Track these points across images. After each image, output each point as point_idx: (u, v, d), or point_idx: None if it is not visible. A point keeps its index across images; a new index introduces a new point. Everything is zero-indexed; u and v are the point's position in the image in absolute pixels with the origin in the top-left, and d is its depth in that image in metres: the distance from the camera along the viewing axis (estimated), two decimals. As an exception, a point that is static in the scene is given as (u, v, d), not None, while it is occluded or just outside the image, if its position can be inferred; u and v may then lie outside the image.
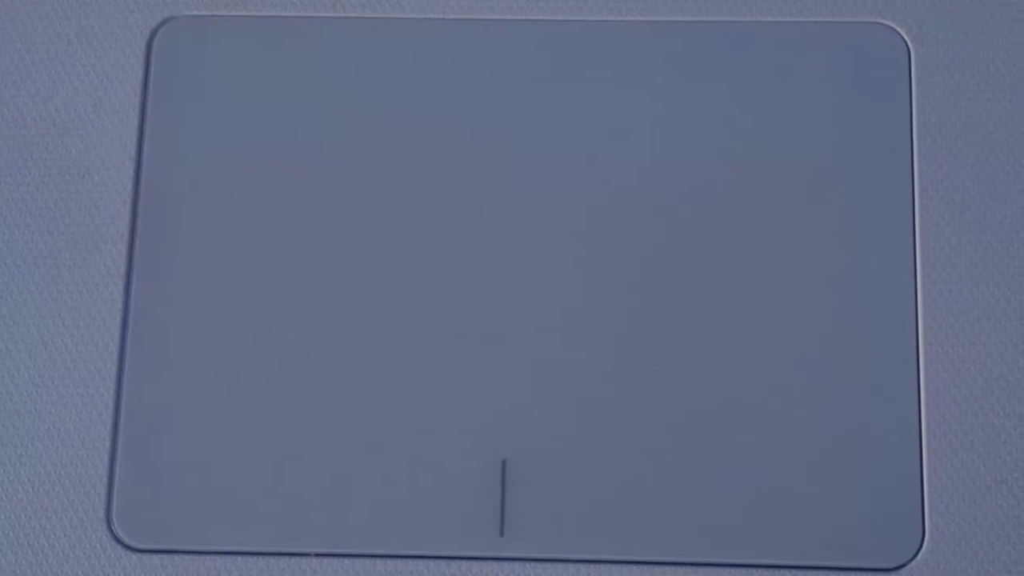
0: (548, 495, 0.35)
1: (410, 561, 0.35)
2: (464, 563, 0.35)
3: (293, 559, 0.35)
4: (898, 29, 0.38)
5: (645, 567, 0.35)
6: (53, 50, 0.38)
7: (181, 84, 0.38)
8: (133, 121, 0.38)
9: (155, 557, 0.35)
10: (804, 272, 0.36)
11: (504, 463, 0.36)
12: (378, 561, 0.35)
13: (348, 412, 0.36)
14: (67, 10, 0.39)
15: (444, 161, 0.37)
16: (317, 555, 0.35)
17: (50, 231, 0.37)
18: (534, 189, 0.37)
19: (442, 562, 0.35)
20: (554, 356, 0.36)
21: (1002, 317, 0.36)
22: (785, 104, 0.37)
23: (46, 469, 0.36)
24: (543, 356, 0.36)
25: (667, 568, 0.35)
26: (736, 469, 0.35)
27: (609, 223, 0.37)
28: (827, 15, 0.38)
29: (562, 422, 0.36)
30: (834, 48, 0.38)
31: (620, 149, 0.37)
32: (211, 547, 0.35)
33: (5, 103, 0.38)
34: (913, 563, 0.35)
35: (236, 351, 0.36)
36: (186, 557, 0.35)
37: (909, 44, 0.38)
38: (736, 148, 0.37)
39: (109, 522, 0.36)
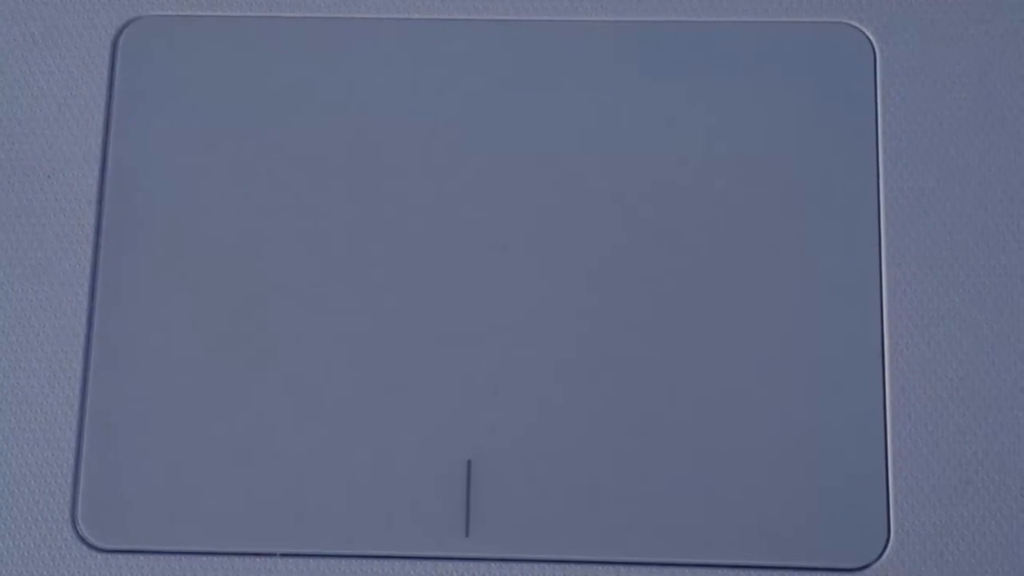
0: (513, 495, 0.35)
1: (375, 561, 0.35)
2: (429, 563, 0.35)
3: (258, 559, 0.35)
4: (863, 29, 0.38)
5: (610, 567, 0.35)
6: (18, 50, 0.38)
7: (146, 84, 0.38)
8: (98, 121, 0.38)
9: (120, 557, 0.35)
10: (768, 272, 0.36)
11: (469, 463, 0.36)
12: (343, 561, 0.35)
13: (313, 412, 0.36)
14: (32, 10, 0.39)
15: (410, 162, 0.37)
16: (282, 555, 0.35)
17: (15, 231, 0.37)
18: (499, 189, 0.37)
19: (407, 562, 0.35)
20: (519, 356, 0.36)
21: (967, 316, 0.36)
22: (750, 104, 0.37)
23: (11, 469, 0.36)
24: (508, 356, 0.36)
25: (631, 568, 0.35)
26: (700, 469, 0.35)
27: (572, 223, 0.37)
28: (792, 15, 0.38)
29: (527, 423, 0.36)
30: (799, 48, 0.38)
31: (584, 150, 0.37)
32: (176, 547, 0.35)
33: (-30, 104, 0.38)
34: (878, 563, 0.35)
35: (201, 351, 0.36)
36: (151, 557, 0.35)
37: (874, 44, 0.38)
38: (701, 148, 0.37)
39: (74, 522, 0.36)
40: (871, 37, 0.38)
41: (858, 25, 0.38)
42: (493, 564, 0.35)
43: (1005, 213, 0.37)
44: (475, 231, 0.37)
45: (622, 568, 0.35)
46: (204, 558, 0.35)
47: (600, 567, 0.35)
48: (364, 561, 0.35)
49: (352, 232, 0.37)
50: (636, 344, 0.36)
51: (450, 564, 0.35)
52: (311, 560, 0.35)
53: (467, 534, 0.35)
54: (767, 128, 0.37)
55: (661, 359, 0.36)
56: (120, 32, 0.39)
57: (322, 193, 0.37)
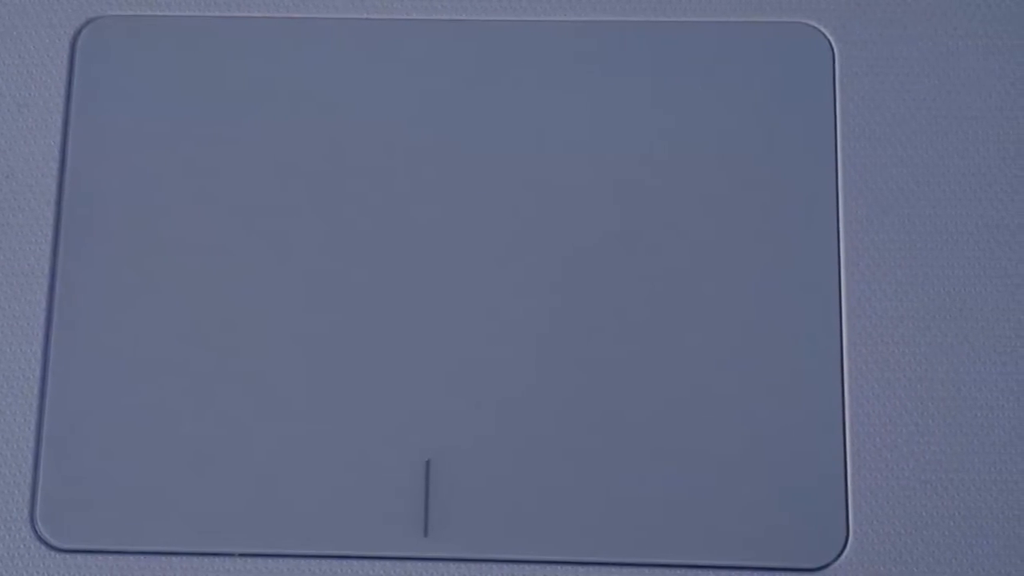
0: (472, 495, 0.35)
1: (334, 561, 0.35)
2: (388, 563, 0.35)
3: (216, 559, 0.35)
4: (822, 29, 0.38)
5: (568, 567, 0.35)
6: (-24, 50, 0.39)
7: (105, 84, 0.38)
8: (57, 122, 0.38)
9: (79, 557, 0.35)
10: (728, 272, 0.36)
11: (428, 463, 0.36)
12: (301, 561, 0.35)
13: (272, 412, 0.36)
14: (-10, 10, 0.39)
15: (370, 161, 0.37)
16: (240, 555, 0.35)
17: (-27, 231, 0.37)
18: (458, 189, 0.37)
19: (366, 562, 0.35)
20: (478, 356, 0.36)
21: (926, 317, 0.36)
22: (710, 104, 0.37)
23: (-31, 469, 0.36)
24: (467, 356, 0.36)
25: (590, 568, 0.35)
26: (660, 469, 0.35)
27: (532, 223, 0.37)
28: (751, 15, 0.38)
29: (486, 422, 0.36)
30: (758, 48, 0.38)
31: (544, 149, 0.37)
32: (135, 547, 0.35)
33: (-72, 105, 0.38)
34: (837, 563, 0.35)
35: (160, 351, 0.36)
36: (110, 557, 0.35)
37: (833, 44, 0.38)
38: (661, 148, 0.37)
39: (33, 522, 0.36)
40: (829, 37, 0.38)
41: (817, 25, 0.38)
42: (452, 564, 0.35)
43: (963, 211, 0.37)
44: (435, 231, 0.37)
45: (580, 568, 0.35)
46: (163, 558, 0.35)
47: (559, 567, 0.35)
48: (323, 561, 0.35)
49: (312, 233, 0.37)
50: (596, 345, 0.36)
51: (409, 564, 0.35)
52: (270, 560, 0.35)
53: (426, 534, 0.35)
54: (727, 127, 0.37)
55: (621, 360, 0.36)
56: (79, 32, 0.39)
57: (282, 194, 0.37)
